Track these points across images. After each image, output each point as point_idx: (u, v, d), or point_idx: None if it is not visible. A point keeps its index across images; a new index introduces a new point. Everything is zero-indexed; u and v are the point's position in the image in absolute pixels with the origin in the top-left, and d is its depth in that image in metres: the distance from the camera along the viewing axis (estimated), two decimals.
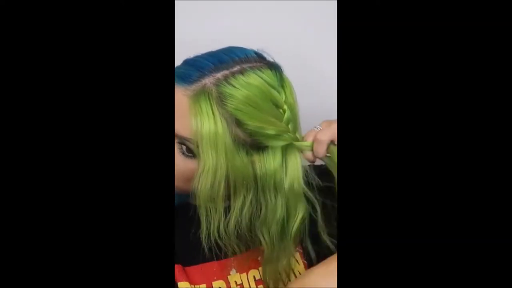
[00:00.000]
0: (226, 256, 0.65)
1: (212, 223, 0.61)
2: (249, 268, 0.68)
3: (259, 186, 0.62)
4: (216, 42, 0.64)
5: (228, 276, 0.67)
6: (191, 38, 0.64)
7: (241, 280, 0.67)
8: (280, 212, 0.63)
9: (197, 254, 0.64)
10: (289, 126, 0.62)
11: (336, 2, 0.51)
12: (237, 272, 0.68)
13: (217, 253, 0.63)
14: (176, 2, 0.52)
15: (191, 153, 0.61)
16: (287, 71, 0.64)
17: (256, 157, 0.61)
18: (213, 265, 0.66)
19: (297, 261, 0.71)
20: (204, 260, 0.65)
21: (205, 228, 0.61)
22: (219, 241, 0.62)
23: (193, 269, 0.65)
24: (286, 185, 0.62)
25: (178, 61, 0.62)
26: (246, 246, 0.65)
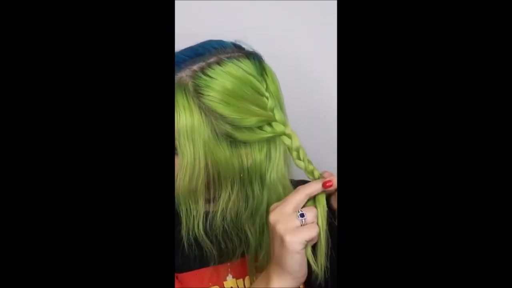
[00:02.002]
0: (221, 261, 0.64)
1: (192, 219, 0.60)
2: (246, 274, 0.68)
3: (245, 178, 0.61)
4: None
5: (224, 282, 0.66)
6: (191, 38, 0.64)
7: (238, 286, 0.67)
8: (264, 204, 0.61)
9: (192, 260, 0.63)
10: (275, 114, 0.60)
11: (336, 2, 0.51)
12: (233, 277, 0.67)
13: (213, 259, 0.62)
14: (176, 2, 0.52)
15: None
16: (287, 71, 0.64)
17: (242, 150, 0.60)
18: (208, 271, 0.65)
19: None
20: (199, 266, 0.65)
21: (184, 224, 0.60)
22: (204, 238, 0.61)
23: (187, 275, 0.65)
24: (270, 176, 0.61)
25: None
26: (231, 242, 0.63)
